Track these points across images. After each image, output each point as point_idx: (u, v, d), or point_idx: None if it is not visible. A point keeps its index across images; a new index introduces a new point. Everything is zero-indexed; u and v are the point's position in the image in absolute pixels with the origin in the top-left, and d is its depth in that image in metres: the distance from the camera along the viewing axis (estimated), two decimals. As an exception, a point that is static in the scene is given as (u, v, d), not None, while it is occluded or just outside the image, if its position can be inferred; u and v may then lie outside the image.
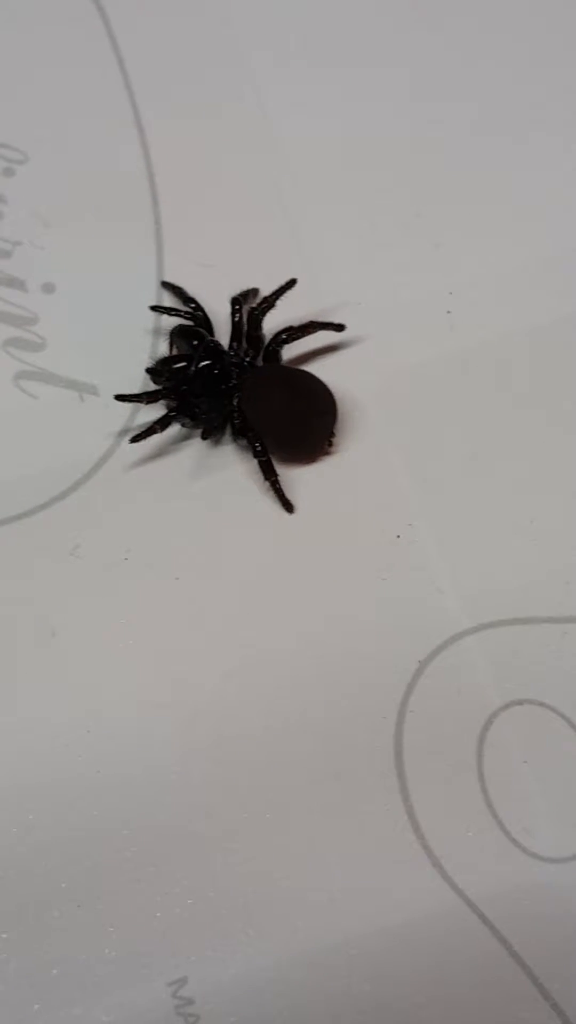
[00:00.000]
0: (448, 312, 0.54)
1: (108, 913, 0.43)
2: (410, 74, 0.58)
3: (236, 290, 0.53)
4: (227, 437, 0.51)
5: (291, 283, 0.52)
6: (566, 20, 0.59)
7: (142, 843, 0.44)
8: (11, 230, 0.54)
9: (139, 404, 0.50)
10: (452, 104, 0.58)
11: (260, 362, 0.52)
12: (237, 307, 0.52)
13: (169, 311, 0.52)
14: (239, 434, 0.50)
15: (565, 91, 0.58)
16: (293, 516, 0.49)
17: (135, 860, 0.44)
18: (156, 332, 0.53)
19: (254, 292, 0.53)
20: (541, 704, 0.47)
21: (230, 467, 0.51)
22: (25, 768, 0.45)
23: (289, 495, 0.49)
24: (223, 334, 0.52)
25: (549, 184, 0.56)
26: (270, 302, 0.51)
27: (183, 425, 0.51)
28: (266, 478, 0.49)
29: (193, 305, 0.52)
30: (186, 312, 0.52)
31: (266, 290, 0.53)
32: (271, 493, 0.49)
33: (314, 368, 0.52)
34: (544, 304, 0.54)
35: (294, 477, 0.50)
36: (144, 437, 0.49)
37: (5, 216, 0.55)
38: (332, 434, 0.50)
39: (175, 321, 0.52)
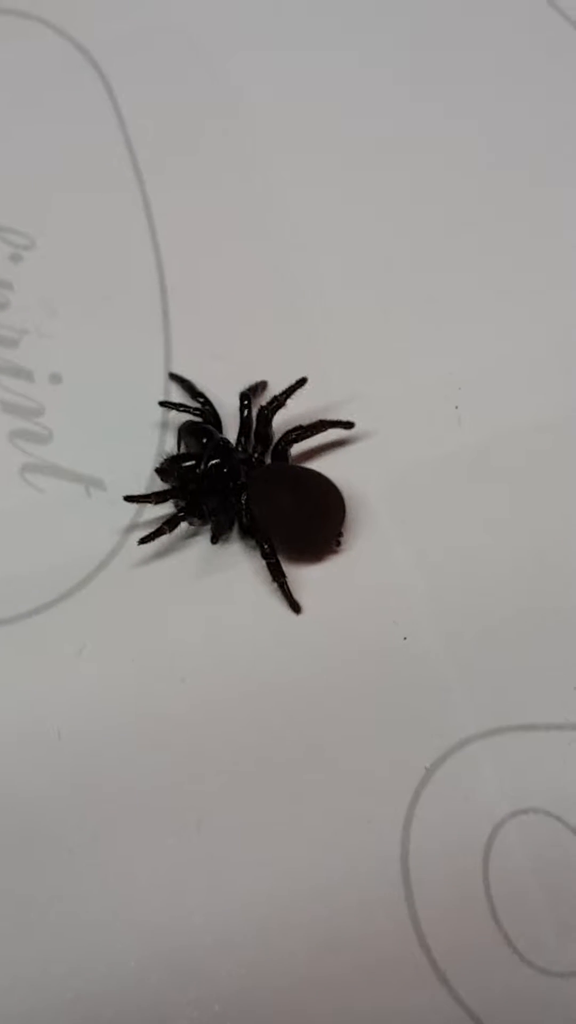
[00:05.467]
0: (456, 407, 0.53)
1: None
2: (422, 157, 0.58)
3: (244, 380, 0.53)
4: (234, 534, 0.51)
5: (302, 382, 0.51)
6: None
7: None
8: (18, 318, 0.54)
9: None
10: (464, 186, 0.58)
11: (268, 459, 0.51)
12: (246, 402, 0.52)
13: (178, 407, 0.51)
14: (247, 533, 0.50)
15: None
16: (300, 616, 0.49)
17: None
18: (164, 425, 0.52)
19: (263, 385, 0.53)
20: (548, 814, 0.46)
21: (237, 565, 0.50)
22: (34, 920, 0.45)
23: (296, 594, 0.49)
24: (230, 427, 0.52)
25: (563, 274, 0.57)
26: (280, 401, 0.51)
27: (191, 524, 0.50)
28: (274, 579, 0.49)
29: (202, 400, 0.52)
30: (195, 408, 0.51)
31: (274, 381, 0.53)
32: (279, 594, 0.49)
33: (321, 463, 0.52)
34: (555, 399, 0.54)
35: (301, 575, 0.50)
36: (152, 539, 0.48)
37: (12, 304, 0.54)
38: (340, 533, 0.50)
39: (183, 414, 0.51)
